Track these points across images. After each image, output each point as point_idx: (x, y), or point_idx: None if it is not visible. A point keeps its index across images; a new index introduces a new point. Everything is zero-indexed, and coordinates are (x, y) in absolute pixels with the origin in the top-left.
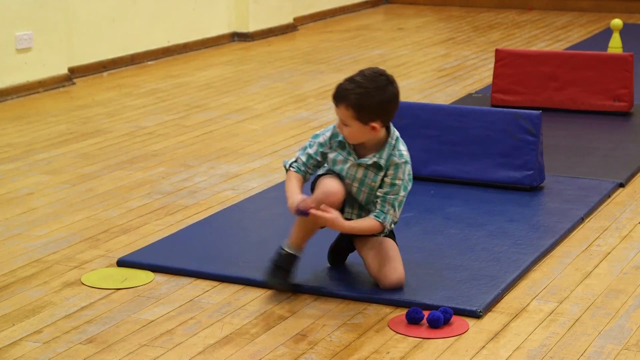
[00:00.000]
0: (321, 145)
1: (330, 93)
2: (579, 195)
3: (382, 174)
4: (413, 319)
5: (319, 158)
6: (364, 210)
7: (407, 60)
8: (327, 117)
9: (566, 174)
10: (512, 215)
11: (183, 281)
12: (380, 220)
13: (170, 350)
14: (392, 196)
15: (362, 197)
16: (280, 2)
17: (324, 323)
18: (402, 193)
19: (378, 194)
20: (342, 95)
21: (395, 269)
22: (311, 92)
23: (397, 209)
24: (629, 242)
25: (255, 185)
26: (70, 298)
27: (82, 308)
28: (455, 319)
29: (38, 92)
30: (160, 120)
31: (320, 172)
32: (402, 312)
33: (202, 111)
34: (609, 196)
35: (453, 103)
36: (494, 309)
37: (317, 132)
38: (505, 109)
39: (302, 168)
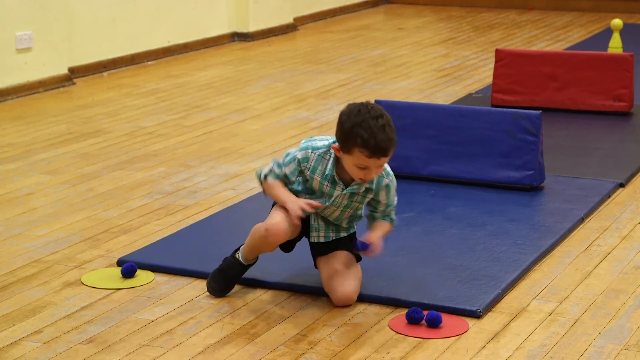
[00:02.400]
0: (296, 170)
1: (331, 93)
2: (579, 195)
3: (370, 195)
4: (413, 319)
5: (293, 178)
6: (332, 227)
7: (407, 60)
8: (327, 117)
9: (566, 174)
10: (512, 215)
11: (183, 281)
12: (389, 222)
13: (170, 350)
14: (390, 208)
15: (341, 216)
16: (280, 2)
17: (324, 323)
18: (395, 199)
19: (376, 213)
20: (394, 143)
21: (341, 285)
22: (311, 92)
23: (394, 207)
24: (629, 242)
25: (255, 185)
26: (70, 298)
27: (82, 308)
28: (455, 319)
29: (38, 92)
30: (160, 120)
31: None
32: (402, 312)
33: (202, 111)
34: (609, 196)
35: (453, 103)
36: (494, 309)
37: (291, 151)
38: (505, 109)
39: (282, 178)
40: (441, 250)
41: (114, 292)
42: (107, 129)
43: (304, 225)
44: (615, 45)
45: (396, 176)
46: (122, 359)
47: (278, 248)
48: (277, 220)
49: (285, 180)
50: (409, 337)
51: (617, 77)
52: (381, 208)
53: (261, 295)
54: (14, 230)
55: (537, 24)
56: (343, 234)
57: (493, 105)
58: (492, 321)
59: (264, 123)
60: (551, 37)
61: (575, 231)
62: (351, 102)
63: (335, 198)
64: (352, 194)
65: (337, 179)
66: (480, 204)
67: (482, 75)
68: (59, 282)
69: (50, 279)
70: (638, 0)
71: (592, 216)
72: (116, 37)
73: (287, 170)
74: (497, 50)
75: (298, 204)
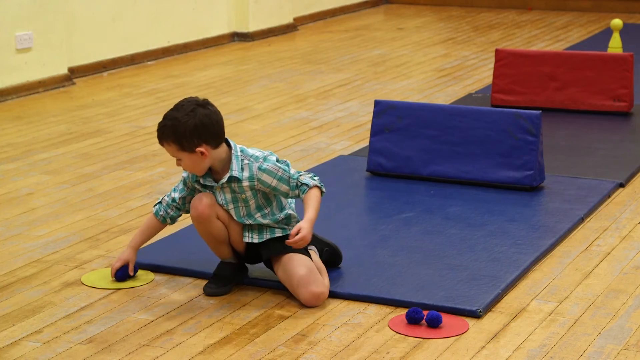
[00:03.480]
0: (184, 188)
1: (331, 93)
2: (579, 195)
3: (246, 183)
4: (413, 319)
5: (184, 194)
6: (262, 227)
7: (407, 60)
8: (327, 117)
9: (566, 174)
10: (512, 215)
11: (183, 281)
12: (309, 189)
13: (170, 350)
14: (293, 180)
15: (245, 213)
16: (280, 2)
17: (324, 323)
18: (289, 170)
19: (285, 195)
20: (161, 133)
21: (303, 284)
22: (311, 92)
23: (300, 175)
24: (629, 242)
25: None
26: (70, 298)
27: (82, 308)
28: (455, 319)
29: (38, 92)
30: (160, 120)
31: None
32: (402, 312)
33: None
34: (609, 196)
35: (453, 103)
36: (494, 309)
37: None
38: (505, 109)
39: (162, 212)
40: (441, 250)
41: (114, 292)
42: (107, 129)
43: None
44: (615, 45)
45: (396, 176)
46: (122, 359)
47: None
48: (196, 197)
49: (174, 207)
50: (409, 337)
51: (617, 77)
52: (282, 190)
53: (261, 295)
54: (14, 230)
55: (537, 24)
56: (279, 234)
57: (493, 105)
58: (492, 321)
59: (263, 123)
60: (551, 37)
61: (575, 231)
62: (351, 102)
63: (218, 195)
64: (229, 187)
65: (204, 179)
66: (480, 204)
67: (482, 75)
68: (59, 282)
69: (50, 279)
70: (638, 0)
71: (592, 216)
72: (116, 37)
73: (174, 194)
74: (497, 50)
75: (122, 258)
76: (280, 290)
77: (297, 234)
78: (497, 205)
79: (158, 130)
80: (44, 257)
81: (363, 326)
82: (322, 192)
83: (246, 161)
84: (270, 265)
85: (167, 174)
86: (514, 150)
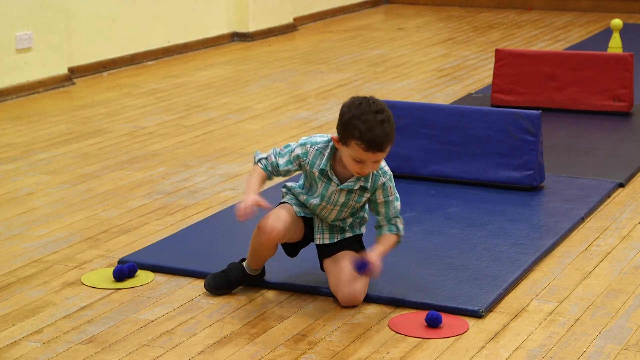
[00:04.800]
0: (289, 162)
1: (331, 93)
2: (579, 195)
3: (367, 194)
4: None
5: (284, 168)
6: (333, 228)
7: (407, 60)
8: (327, 117)
9: (566, 174)
10: (512, 215)
11: (183, 281)
12: (395, 233)
13: (170, 350)
14: (392, 211)
15: (338, 216)
16: (280, 2)
17: (324, 323)
18: (397, 204)
19: (380, 217)
20: (391, 139)
21: (348, 285)
22: (311, 92)
23: (400, 215)
24: (629, 242)
25: None
26: (70, 298)
27: (82, 308)
28: (455, 318)
29: (38, 92)
30: (160, 120)
31: (284, 199)
32: (402, 312)
33: (202, 111)
34: (609, 196)
35: (453, 103)
36: (494, 309)
37: (291, 144)
38: (505, 109)
39: (269, 168)
40: (442, 250)
41: (113, 292)
42: (107, 129)
43: (308, 228)
44: (615, 45)
45: (396, 176)
46: (122, 359)
47: (283, 251)
48: (271, 219)
49: (274, 171)
50: (409, 337)
51: (617, 77)
52: (381, 210)
53: (261, 295)
54: (14, 230)
55: (537, 24)
56: (349, 234)
57: (493, 105)
58: (492, 321)
59: (263, 123)
60: (551, 37)
61: (575, 231)
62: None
63: (331, 195)
64: (349, 192)
65: (330, 175)
66: (480, 204)
67: (482, 75)
68: (59, 282)
69: (50, 279)
70: (638, 0)
71: (592, 216)
72: (116, 37)
73: (280, 161)
74: (497, 50)
75: (249, 199)
76: (280, 290)
77: (366, 261)
78: (497, 205)
79: (387, 135)
80: (44, 257)
81: (363, 326)
82: (399, 242)
83: (375, 172)
84: (321, 258)
85: (167, 174)
86: (513, 150)
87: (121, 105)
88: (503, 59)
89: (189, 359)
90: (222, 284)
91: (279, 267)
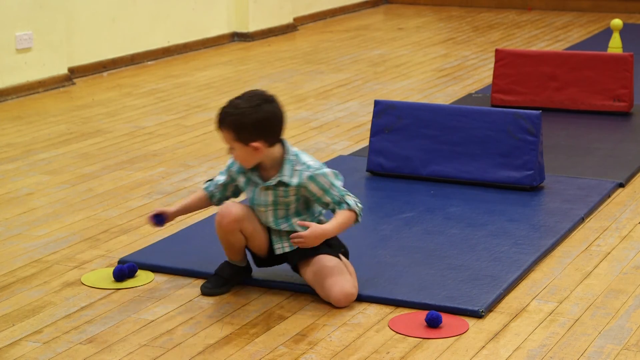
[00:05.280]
0: (225, 171)
1: (331, 93)
2: (579, 195)
3: (292, 190)
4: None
5: (224, 181)
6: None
7: (407, 60)
8: (327, 117)
9: (566, 174)
10: (512, 215)
11: (183, 281)
12: (347, 208)
13: (170, 350)
14: (336, 193)
15: (282, 216)
16: (280, 2)
17: (324, 323)
18: (337, 182)
19: (325, 206)
20: (222, 118)
21: (335, 283)
22: (311, 92)
23: (348, 193)
24: (629, 242)
25: None
26: (70, 298)
27: (82, 308)
28: (455, 318)
29: (38, 92)
30: (160, 120)
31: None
32: (402, 312)
33: (202, 111)
34: (609, 196)
35: (453, 103)
36: (494, 309)
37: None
38: (505, 109)
39: (211, 188)
40: (442, 250)
41: (113, 292)
42: (107, 129)
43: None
44: (615, 45)
45: (396, 176)
46: (122, 359)
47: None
48: (226, 205)
49: (215, 189)
50: (409, 337)
51: (617, 77)
52: (325, 200)
53: (261, 295)
54: (14, 230)
55: (537, 24)
56: None
57: (493, 105)
58: (492, 321)
59: None
60: (551, 37)
61: (575, 231)
62: (351, 102)
63: (259, 196)
64: (274, 189)
65: (250, 174)
66: (480, 204)
67: (482, 75)
68: (59, 282)
69: (50, 279)
70: (638, 0)
71: (592, 216)
72: (116, 37)
73: (219, 177)
74: (497, 50)
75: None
76: (280, 290)
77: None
78: (497, 205)
79: (219, 115)
80: (44, 257)
81: (363, 326)
82: (357, 219)
83: (298, 167)
84: (297, 269)
85: (167, 174)
86: (513, 150)
87: (121, 105)
88: (503, 59)
89: (189, 359)
90: (218, 283)
91: (278, 267)
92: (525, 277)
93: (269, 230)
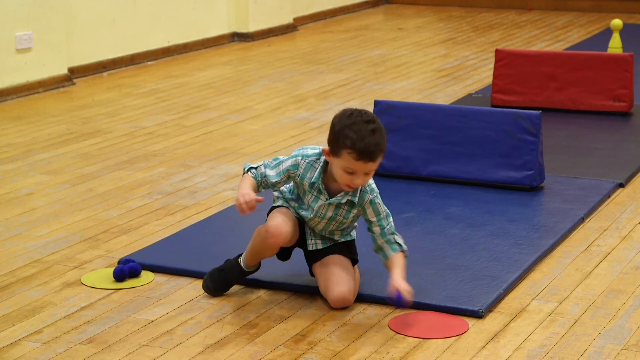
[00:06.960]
0: (278, 174)
1: (331, 93)
2: (579, 195)
3: (354, 210)
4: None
5: (273, 181)
6: (325, 237)
7: (407, 60)
8: (327, 117)
9: (566, 174)
10: (512, 215)
11: (183, 281)
12: (400, 251)
13: (170, 350)
14: (388, 228)
15: (326, 228)
16: (280, 2)
17: (324, 323)
18: (390, 220)
19: (376, 235)
20: (382, 149)
21: (337, 284)
22: (311, 92)
23: (396, 232)
24: (629, 242)
25: None
26: (70, 298)
27: (82, 308)
28: (455, 318)
29: (38, 92)
30: (160, 120)
31: (277, 202)
32: (402, 312)
33: (202, 111)
34: (609, 196)
35: (453, 103)
36: (494, 309)
37: (279, 157)
38: (505, 109)
39: (259, 178)
40: (442, 250)
41: (113, 292)
42: (107, 129)
43: (300, 234)
44: (615, 45)
45: (396, 176)
46: (122, 359)
47: (275, 256)
48: (277, 222)
49: (264, 182)
50: (409, 337)
51: (617, 77)
52: (375, 229)
53: (261, 295)
54: (14, 230)
55: (537, 24)
56: (339, 239)
57: (493, 105)
58: (492, 321)
59: (263, 123)
60: (551, 37)
61: (575, 231)
62: (351, 102)
63: (319, 209)
64: (337, 206)
65: (322, 188)
66: (480, 204)
67: (482, 75)
68: (59, 282)
69: (50, 279)
70: (638, 0)
71: (592, 216)
72: (116, 37)
73: (269, 172)
74: (497, 50)
75: (243, 196)
76: (280, 290)
77: (397, 291)
78: (497, 205)
79: (378, 145)
80: (44, 257)
81: (363, 326)
82: (406, 257)
83: (362, 188)
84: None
85: (167, 174)
86: (513, 150)
87: (121, 106)
88: (503, 59)
89: (189, 359)
90: (220, 285)
91: (278, 267)
92: (525, 277)
93: (301, 223)
